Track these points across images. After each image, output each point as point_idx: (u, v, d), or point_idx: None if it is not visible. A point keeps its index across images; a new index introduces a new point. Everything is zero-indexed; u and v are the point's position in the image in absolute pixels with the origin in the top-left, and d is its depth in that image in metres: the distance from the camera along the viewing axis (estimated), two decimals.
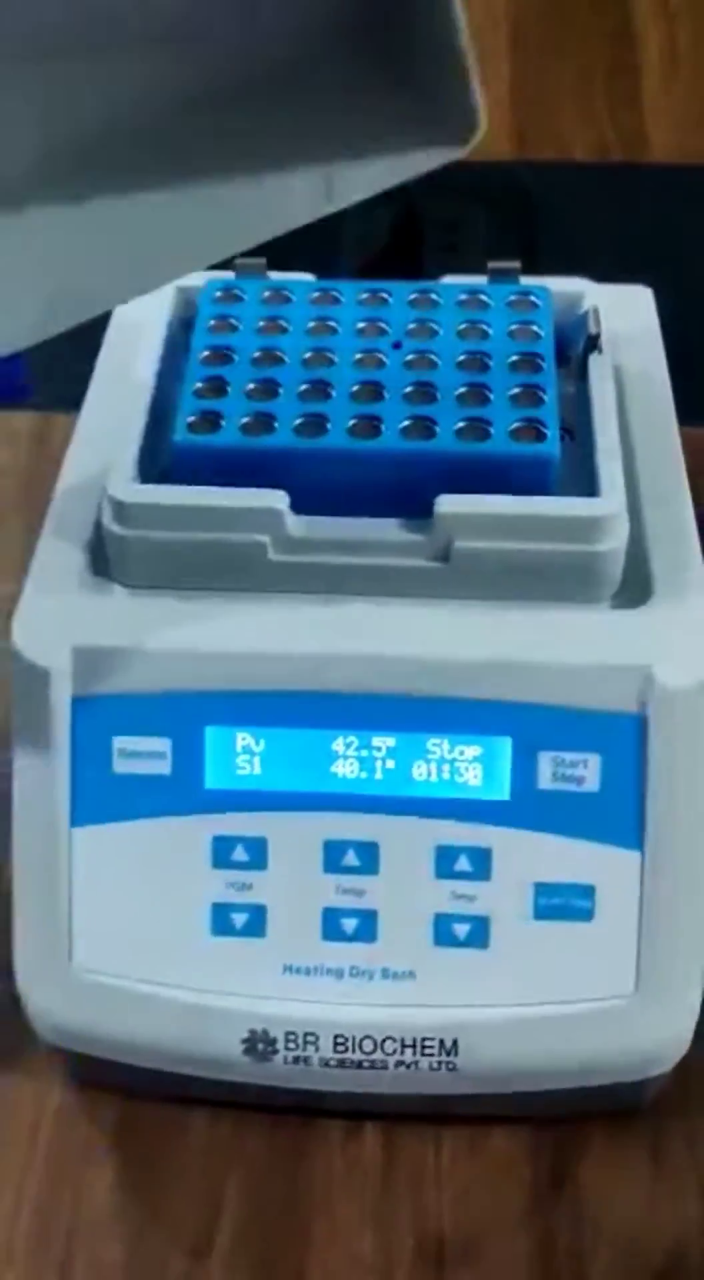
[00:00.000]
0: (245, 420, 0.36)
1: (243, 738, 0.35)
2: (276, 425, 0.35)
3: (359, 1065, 0.35)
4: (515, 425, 0.35)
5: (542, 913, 0.35)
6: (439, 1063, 0.35)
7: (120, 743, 0.35)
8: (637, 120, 0.69)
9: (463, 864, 0.35)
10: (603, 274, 0.42)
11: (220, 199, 0.30)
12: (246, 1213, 0.37)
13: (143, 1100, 0.39)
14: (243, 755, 0.35)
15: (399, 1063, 0.35)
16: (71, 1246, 0.37)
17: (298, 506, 0.35)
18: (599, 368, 0.38)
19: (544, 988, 0.35)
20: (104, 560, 0.36)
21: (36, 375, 0.59)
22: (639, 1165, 0.38)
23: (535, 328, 0.38)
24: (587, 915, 0.35)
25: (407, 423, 0.35)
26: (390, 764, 0.35)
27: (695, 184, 0.66)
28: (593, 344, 0.38)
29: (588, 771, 0.34)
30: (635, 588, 0.35)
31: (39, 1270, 0.36)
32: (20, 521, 0.52)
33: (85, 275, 0.30)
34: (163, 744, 0.35)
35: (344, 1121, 0.38)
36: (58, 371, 0.57)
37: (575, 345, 0.40)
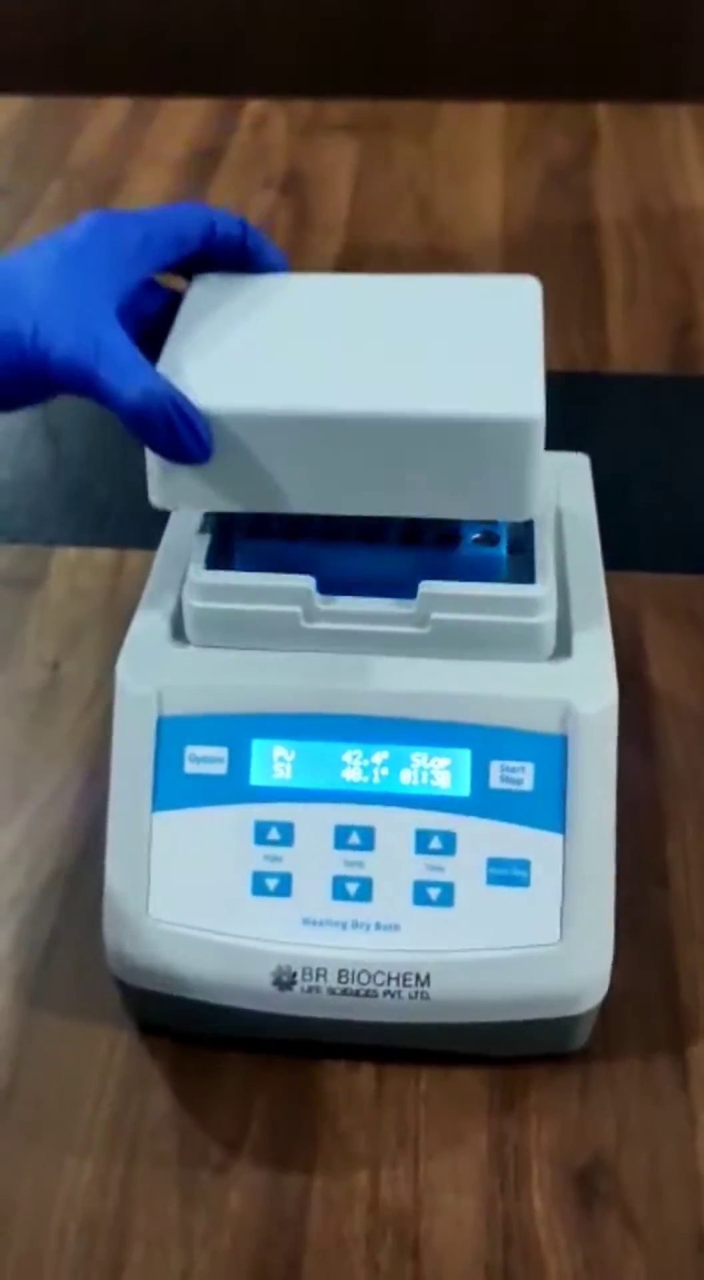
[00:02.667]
0: (285, 526, 0.51)
1: (278, 749, 0.49)
2: (307, 529, 0.51)
3: (357, 994, 0.48)
4: (476, 536, 0.51)
5: (493, 880, 0.48)
6: (416, 993, 0.48)
7: (190, 750, 0.49)
8: (602, 340, 0.86)
9: (435, 844, 0.48)
10: (559, 447, 0.56)
11: None
12: (271, 1121, 0.50)
13: (190, 1043, 0.51)
14: (278, 762, 0.49)
15: (386, 992, 0.48)
16: (136, 1138, 0.49)
17: (322, 588, 0.50)
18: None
19: (495, 937, 0.47)
20: (181, 629, 0.51)
21: (115, 516, 0.74)
22: (570, 1096, 0.50)
23: None
24: (525, 883, 0.48)
25: (402, 530, 0.51)
26: (384, 771, 0.49)
27: (647, 388, 0.83)
28: None
29: (526, 775, 0.48)
30: (562, 649, 0.50)
31: (111, 1155, 0.49)
32: (101, 627, 0.67)
33: None
34: (221, 752, 0.49)
35: (346, 1061, 0.51)
36: (133, 513, 0.73)
37: None
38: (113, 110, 1.13)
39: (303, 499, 0.47)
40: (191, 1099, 0.50)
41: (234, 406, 0.46)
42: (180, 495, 0.48)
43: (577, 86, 1.26)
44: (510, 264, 0.92)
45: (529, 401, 0.46)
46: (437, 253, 0.94)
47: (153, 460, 0.47)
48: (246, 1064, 0.51)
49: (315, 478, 0.47)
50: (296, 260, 0.92)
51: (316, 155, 1.07)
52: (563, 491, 0.56)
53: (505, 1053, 0.50)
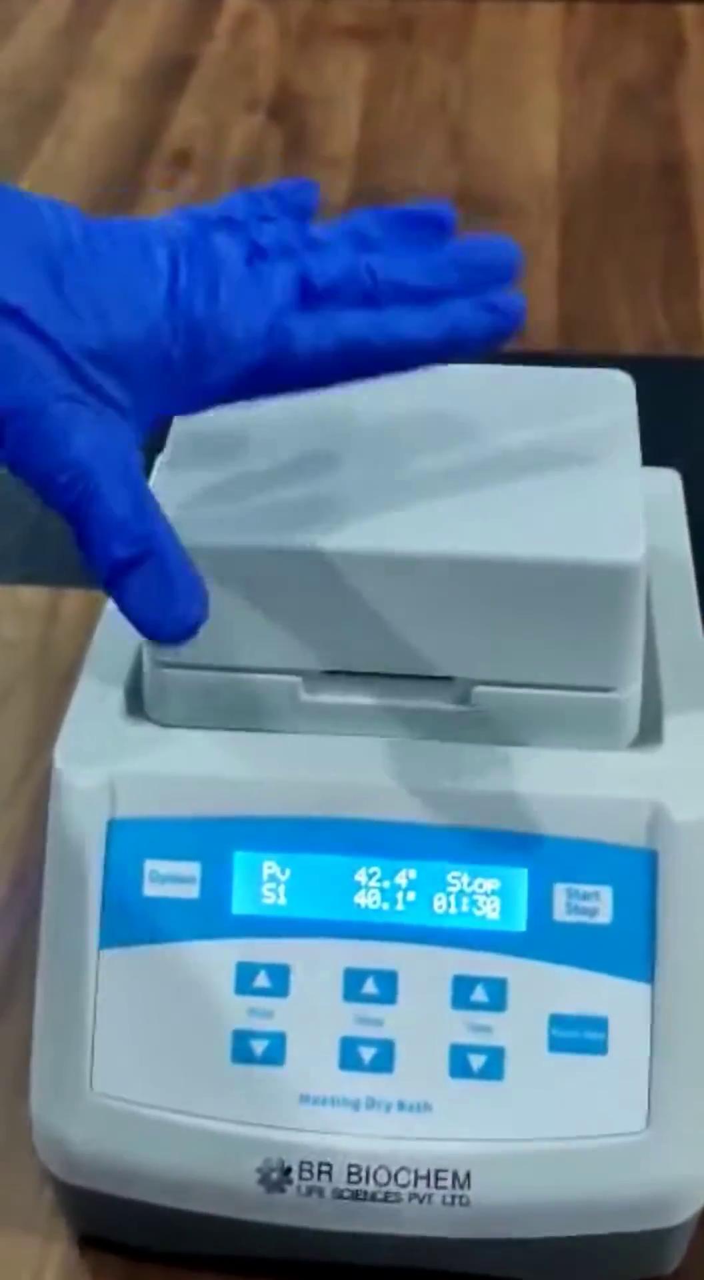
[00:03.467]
0: None
1: (268, 865, 0.48)
2: None
3: (372, 1198, 0.46)
4: None
5: (556, 1045, 0.46)
6: (452, 1197, 0.46)
7: (151, 865, 0.48)
8: (694, 315, 0.85)
9: (479, 994, 0.46)
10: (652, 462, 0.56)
11: None
12: None
13: (148, 1261, 0.50)
14: (268, 882, 0.48)
15: (412, 1195, 0.46)
16: None
17: None
18: None
19: (558, 1122, 0.46)
20: (139, 700, 0.50)
21: (45, 552, 0.74)
22: None
23: None
24: (600, 1048, 0.47)
25: None
26: (411, 895, 0.48)
27: None
28: None
29: (602, 904, 0.47)
30: (649, 733, 0.49)
31: None
32: (31, 691, 0.66)
33: None
34: (192, 868, 0.47)
35: None
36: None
37: None
38: (51, 9, 1.14)
39: (322, 657, 0.48)
40: None
41: (249, 542, 0.47)
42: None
43: None
44: (571, 215, 0.93)
45: (625, 541, 0.46)
46: (473, 200, 0.94)
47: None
48: None
49: (337, 632, 0.47)
50: None
51: (317, 69, 1.07)
52: (649, 523, 0.55)
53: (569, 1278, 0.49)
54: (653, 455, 0.56)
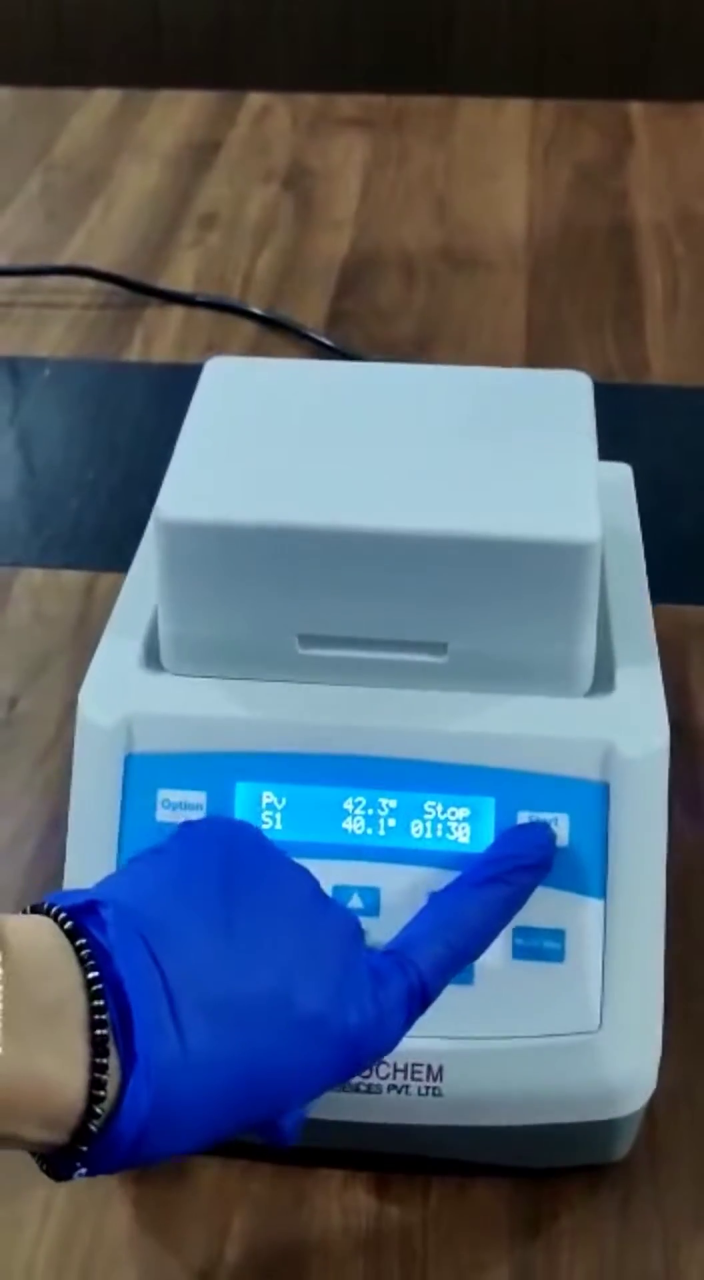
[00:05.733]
0: None
1: (267, 795, 0.45)
2: None
3: (355, 1089, 0.43)
4: None
5: (519, 953, 0.43)
6: (426, 1089, 0.43)
7: (164, 794, 0.45)
8: (640, 351, 0.82)
9: None
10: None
11: None
12: (250, 1246, 0.45)
13: None
14: (267, 810, 0.45)
15: (390, 1087, 0.43)
16: (88, 1270, 0.44)
17: None
18: None
19: (520, 1022, 0.43)
20: (155, 653, 0.47)
21: (84, 541, 0.71)
22: (609, 1218, 0.45)
23: None
24: (559, 956, 0.43)
25: None
26: (392, 821, 0.44)
27: (691, 403, 0.79)
28: None
29: (560, 829, 0.44)
30: (603, 683, 0.46)
31: None
32: (68, 659, 0.63)
33: None
34: (199, 797, 0.44)
35: (341, 1171, 0.46)
36: (106, 531, 0.70)
37: None
38: (102, 102, 1.11)
39: (316, 621, 0.45)
40: (155, 1219, 0.45)
41: (253, 519, 0.44)
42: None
43: (606, 86, 1.24)
44: (537, 269, 0.90)
45: (583, 522, 0.43)
46: (453, 256, 0.92)
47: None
48: (221, 1174, 0.46)
49: (329, 599, 0.44)
50: (298, 260, 0.91)
51: (324, 150, 1.04)
52: (604, 506, 0.52)
53: (532, 1164, 0.46)
54: (607, 456, 0.53)
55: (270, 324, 0.84)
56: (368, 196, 0.98)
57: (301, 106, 1.10)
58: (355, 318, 0.85)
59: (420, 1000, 0.40)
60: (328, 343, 0.82)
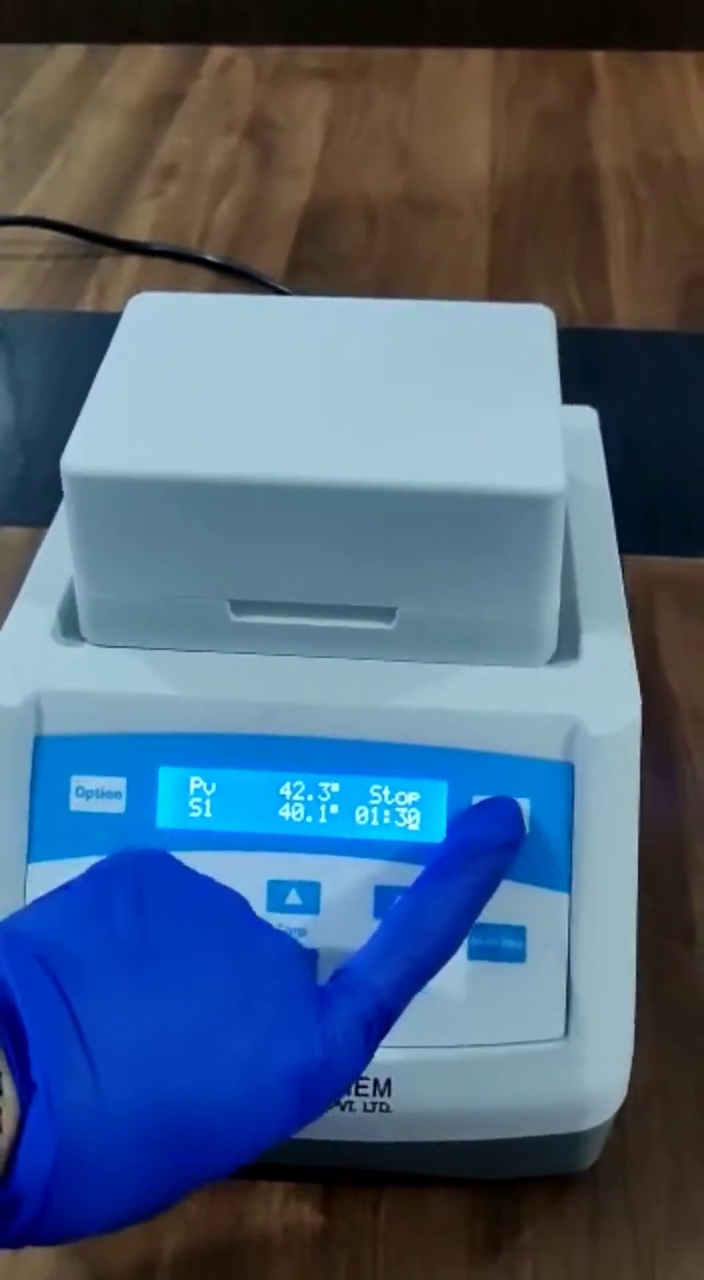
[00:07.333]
0: None
1: (195, 780, 0.36)
2: None
3: None
4: None
5: (476, 953, 0.35)
6: (372, 1104, 0.35)
7: (78, 781, 0.36)
8: (604, 295, 0.74)
9: None
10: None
11: None
12: (184, 1265, 0.37)
13: None
14: (194, 797, 0.36)
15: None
16: None
17: None
18: None
19: (477, 1029, 0.35)
20: (73, 621, 0.39)
21: (36, 493, 0.62)
22: (577, 1230, 0.38)
23: None
24: (519, 956, 0.35)
25: None
26: (334, 808, 0.36)
27: (655, 346, 0.70)
28: None
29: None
30: (567, 651, 0.38)
31: None
32: None
33: None
34: (118, 783, 0.36)
35: (283, 1184, 0.38)
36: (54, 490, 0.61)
37: None
38: (66, 57, 1.01)
39: (248, 585, 0.37)
40: (78, 1245, 0.37)
41: (171, 471, 0.35)
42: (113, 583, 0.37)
43: (570, 37, 1.14)
44: (500, 215, 0.81)
45: (545, 471, 0.35)
46: (416, 202, 0.83)
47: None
48: None
49: (263, 560, 0.36)
50: (259, 209, 0.82)
51: (286, 101, 0.94)
52: (568, 453, 0.44)
53: (492, 1175, 0.38)
54: (571, 401, 0.45)
55: (228, 272, 0.76)
56: (330, 145, 0.89)
57: (265, 59, 1.00)
58: (316, 265, 0.77)
59: (379, 1025, 0.32)
60: (287, 290, 0.73)
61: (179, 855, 0.36)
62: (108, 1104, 0.28)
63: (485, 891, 0.34)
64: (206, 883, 0.32)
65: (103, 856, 0.36)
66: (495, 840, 0.35)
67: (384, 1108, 0.35)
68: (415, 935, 0.33)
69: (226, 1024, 0.29)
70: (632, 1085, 0.37)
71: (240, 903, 0.32)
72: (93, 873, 0.32)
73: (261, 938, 0.31)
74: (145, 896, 0.31)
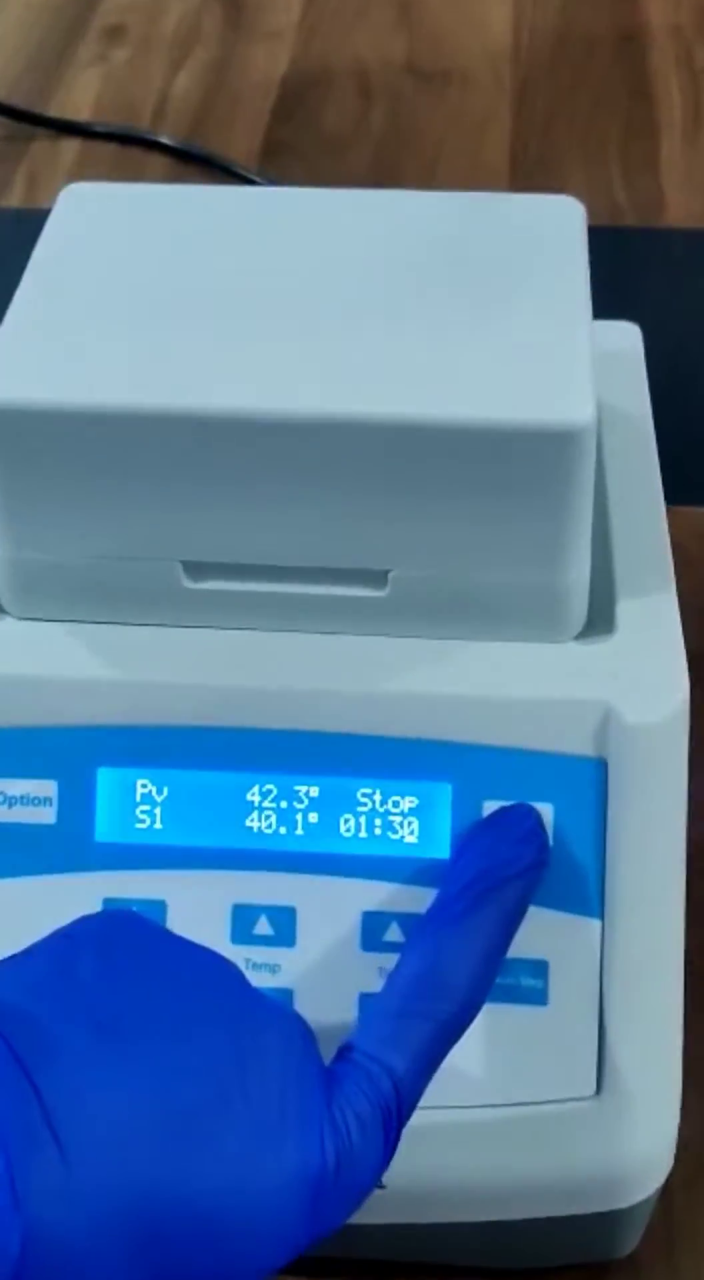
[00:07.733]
0: None
1: (142, 783, 0.37)
2: None
3: None
4: None
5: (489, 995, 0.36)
6: None
7: (1, 785, 0.37)
8: (654, 185, 0.75)
9: (395, 934, 0.36)
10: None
11: None
12: None
13: None
14: (141, 804, 0.37)
15: None
16: None
17: None
18: None
19: (489, 1088, 0.36)
20: None
21: None
22: None
23: None
24: (540, 998, 0.36)
25: None
26: (313, 817, 0.37)
27: None
28: None
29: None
30: (600, 623, 0.38)
31: None
32: None
33: None
34: (48, 788, 0.37)
35: None
36: None
37: None
38: None
39: (206, 543, 0.37)
40: None
41: (109, 402, 0.36)
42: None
43: None
44: (526, 86, 0.84)
45: (571, 399, 0.36)
46: (420, 70, 0.85)
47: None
48: None
49: (224, 512, 0.37)
50: (226, 81, 0.83)
51: None
52: (603, 379, 0.44)
53: (512, 1265, 0.39)
54: (608, 315, 0.46)
55: (188, 159, 0.78)
56: (314, 2, 0.91)
57: None
58: (296, 149, 0.79)
59: (400, 1112, 0.32)
60: (259, 180, 0.74)
61: (124, 876, 0.37)
62: (80, 1189, 0.29)
63: (510, 928, 0.35)
64: (188, 946, 0.33)
65: (29, 879, 0.37)
66: (519, 863, 0.35)
67: (379, 1184, 0.36)
68: (435, 991, 0.33)
69: (217, 1107, 0.30)
70: (679, 1152, 0.38)
71: (231, 969, 0.33)
72: (54, 935, 0.33)
73: (256, 1010, 0.32)
74: (116, 959, 0.32)
